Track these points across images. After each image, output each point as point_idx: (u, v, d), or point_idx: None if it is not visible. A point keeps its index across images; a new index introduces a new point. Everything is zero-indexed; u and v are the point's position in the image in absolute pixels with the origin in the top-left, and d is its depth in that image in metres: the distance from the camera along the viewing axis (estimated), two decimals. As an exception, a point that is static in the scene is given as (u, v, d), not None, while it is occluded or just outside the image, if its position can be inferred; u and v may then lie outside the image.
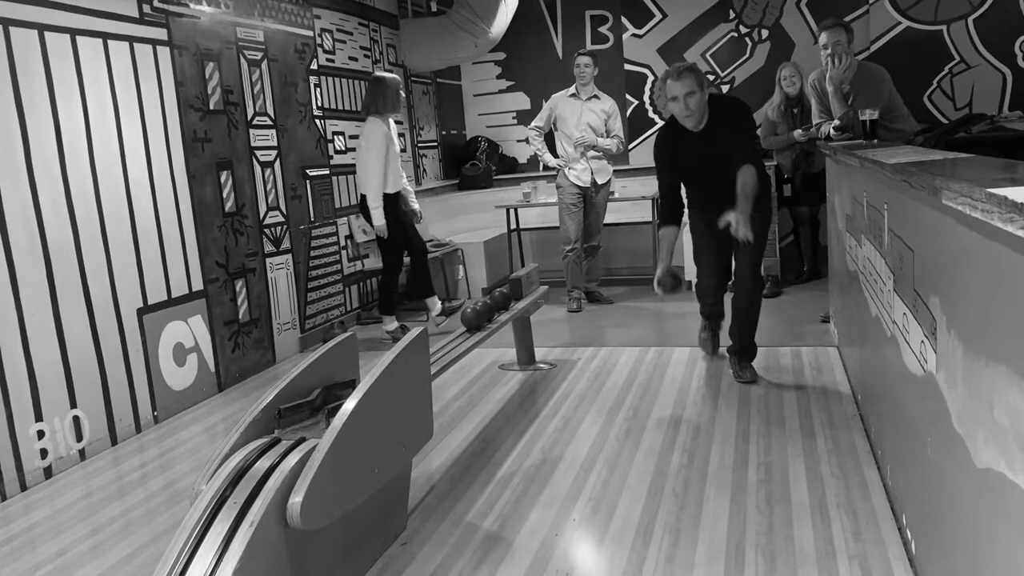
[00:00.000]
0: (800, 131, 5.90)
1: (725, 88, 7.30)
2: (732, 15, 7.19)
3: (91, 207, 3.91)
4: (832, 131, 4.50)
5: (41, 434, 3.58)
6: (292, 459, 2.18)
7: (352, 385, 2.69)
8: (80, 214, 3.84)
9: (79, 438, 3.78)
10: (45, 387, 3.62)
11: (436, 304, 5.70)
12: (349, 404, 2.32)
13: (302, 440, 2.31)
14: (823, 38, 4.52)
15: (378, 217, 5.21)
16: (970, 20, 6.65)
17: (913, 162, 2.14)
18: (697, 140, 3.96)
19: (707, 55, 7.31)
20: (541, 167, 6.65)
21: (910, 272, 2.13)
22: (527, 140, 6.35)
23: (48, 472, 3.61)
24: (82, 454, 3.79)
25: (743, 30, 7.14)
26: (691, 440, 3.40)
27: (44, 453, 3.60)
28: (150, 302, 4.25)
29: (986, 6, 6.60)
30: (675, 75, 3.82)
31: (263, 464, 2.19)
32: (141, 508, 3.21)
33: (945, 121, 6.19)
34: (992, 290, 1.42)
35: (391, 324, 5.50)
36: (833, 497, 2.75)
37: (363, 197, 5.26)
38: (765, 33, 7.13)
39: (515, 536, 2.69)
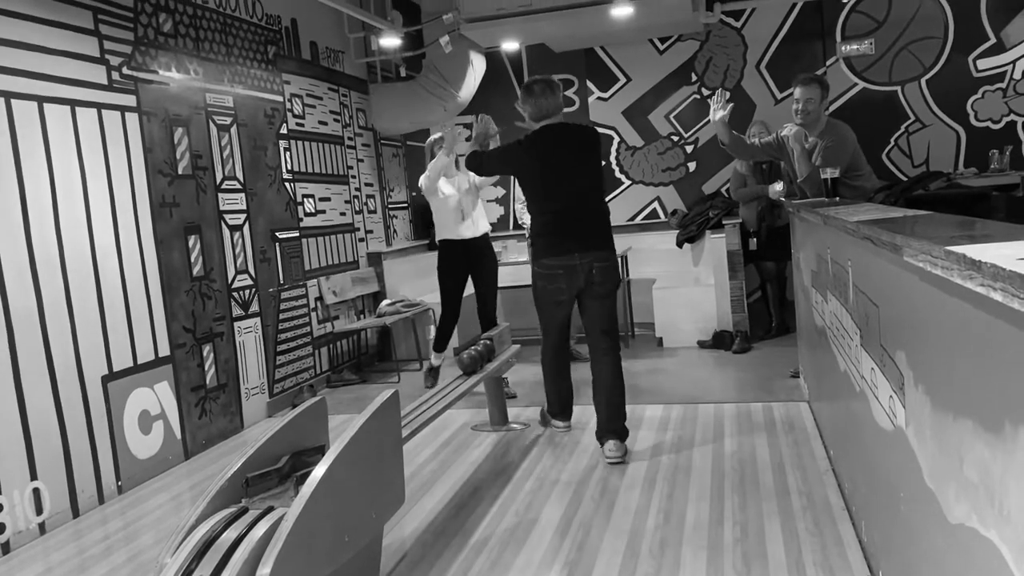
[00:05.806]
0: (774, 188, 6.05)
1: (689, 148, 7.46)
2: (694, 78, 7.38)
3: (56, 273, 3.86)
4: (778, 195, 4.54)
5: (-1, 508, 3.47)
6: (260, 529, 2.13)
7: (321, 451, 2.65)
8: (44, 280, 3.79)
9: (39, 511, 3.67)
10: (4, 458, 3.51)
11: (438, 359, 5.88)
12: (318, 471, 2.28)
13: (270, 509, 2.26)
14: (797, 92, 4.56)
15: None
16: (923, 81, 6.90)
17: (874, 220, 2.19)
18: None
19: (670, 117, 7.48)
20: (511, 226, 6.69)
21: (876, 328, 2.16)
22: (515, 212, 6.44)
23: (6, 547, 3.48)
24: (42, 527, 3.67)
25: (705, 92, 7.32)
26: (666, 499, 3.37)
27: (2, 527, 3.48)
28: (115, 369, 4.18)
29: (938, 67, 6.85)
30: None
31: (230, 535, 2.14)
32: (103, 583, 3.11)
33: (904, 178, 6.37)
34: (956, 345, 1.44)
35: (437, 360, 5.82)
36: (809, 554, 2.74)
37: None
38: (727, 95, 7.31)
39: (490, 603, 2.63)
